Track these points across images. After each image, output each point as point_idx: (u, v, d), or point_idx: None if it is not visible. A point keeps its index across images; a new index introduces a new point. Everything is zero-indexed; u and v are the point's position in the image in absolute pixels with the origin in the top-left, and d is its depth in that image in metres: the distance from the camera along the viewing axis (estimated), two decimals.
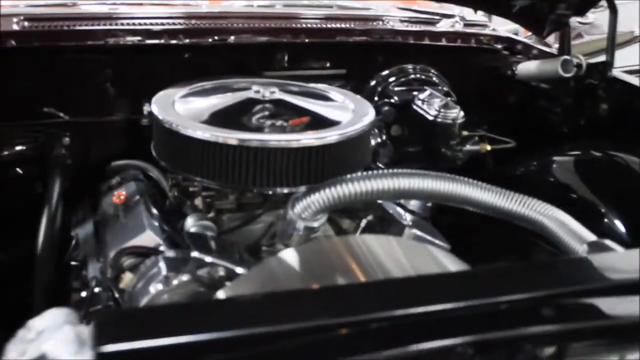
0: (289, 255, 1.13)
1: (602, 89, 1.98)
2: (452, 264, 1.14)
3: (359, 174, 1.33)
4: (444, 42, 2.22)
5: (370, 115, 1.62)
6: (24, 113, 1.94)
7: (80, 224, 1.76)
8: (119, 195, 1.70)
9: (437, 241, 1.50)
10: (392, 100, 2.01)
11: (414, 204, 1.59)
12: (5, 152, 1.93)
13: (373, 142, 2.04)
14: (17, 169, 1.97)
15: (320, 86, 1.81)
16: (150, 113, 1.61)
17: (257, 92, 1.63)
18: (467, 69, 2.24)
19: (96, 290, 1.39)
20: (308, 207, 1.33)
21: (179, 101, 1.62)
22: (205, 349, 0.74)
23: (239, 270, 1.19)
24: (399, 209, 1.58)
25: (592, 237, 1.24)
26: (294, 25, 2.10)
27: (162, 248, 1.38)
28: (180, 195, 1.61)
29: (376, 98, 2.03)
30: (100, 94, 1.97)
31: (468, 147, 1.88)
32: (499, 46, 2.32)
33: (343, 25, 2.15)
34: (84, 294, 1.45)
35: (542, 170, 1.99)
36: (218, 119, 1.52)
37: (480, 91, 2.21)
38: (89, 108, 1.98)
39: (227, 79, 1.79)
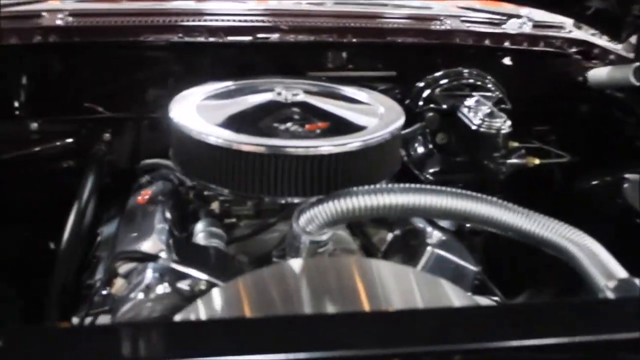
0: (261, 275, 1.05)
1: None
2: (455, 300, 1.02)
3: (368, 187, 1.23)
4: (506, 45, 2.05)
5: (398, 121, 1.50)
6: (68, 108, 1.96)
7: (108, 222, 1.74)
8: (144, 195, 1.66)
9: (462, 262, 1.37)
10: (437, 106, 1.87)
11: (444, 222, 1.47)
12: (50, 146, 1.96)
13: (419, 150, 1.92)
14: (61, 163, 1.99)
15: (351, 89, 1.70)
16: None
17: (279, 94, 1.55)
18: (532, 75, 2.07)
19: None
20: (312, 220, 1.24)
21: (199, 103, 1.56)
22: None
23: (221, 285, 1.11)
24: (428, 226, 1.45)
25: (622, 274, 1.08)
26: (341, 24, 2.00)
27: (163, 255, 1.32)
28: (196, 200, 1.55)
29: (421, 102, 1.90)
30: (141, 91, 1.95)
31: (513, 160, 1.72)
32: (572, 50, 2.13)
33: (395, 25, 2.03)
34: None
35: (609, 189, 1.81)
36: (234, 122, 1.46)
37: (546, 99, 2.03)
38: (130, 104, 1.97)
39: (254, 79, 1.72)
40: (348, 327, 0.77)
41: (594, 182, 1.89)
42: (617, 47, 2.18)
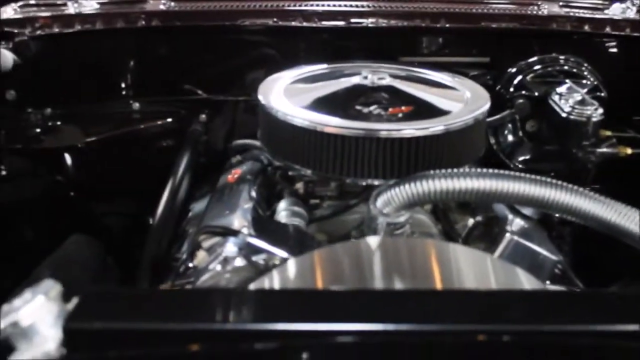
0: (335, 250, 1.08)
1: None
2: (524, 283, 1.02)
3: (444, 170, 1.23)
4: (607, 31, 1.97)
5: (484, 107, 1.49)
6: (168, 90, 2.06)
7: (200, 199, 1.83)
8: (234, 174, 1.74)
9: (541, 250, 1.35)
10: (528, 93, 1.83)
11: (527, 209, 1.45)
12: (151, 125, 2.07)
13: (509, 137, 1.89)
14: (161, 141, 2.11)
15: (439, 74, 1.69)
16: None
17: (365, 78, 1.57)
18: (634, 62, 1.98)
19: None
20: (389, 202, 1.26)
21: (286, 86, 1.61)
22: (162, 339, 0.72)
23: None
24: (509, 212, 1.44)
25: None
26: (435, 9, 1.99)
27: (245, 230, 1.38)
28: (281, 180, 1.61)
29: (512, 89, 1.86)
30: (237, 74, 2.02)
31: (603, 149, 1.66)
32: None
33: (490, 10, 2.01)
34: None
35: None
36: (320, 105, 1.49)
37: None
38: (227, 87, 2.04)
39: (341, 63, 1.75)
40: (418, 302, 0.79)
41: None
42: None
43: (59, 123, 1.98)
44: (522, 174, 1.20)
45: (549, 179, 1.19)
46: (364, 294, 0.87)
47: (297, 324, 0.73)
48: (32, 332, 0.75)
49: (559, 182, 1.18)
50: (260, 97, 1.56)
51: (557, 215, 1.24)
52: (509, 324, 0.75)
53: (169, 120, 2.06)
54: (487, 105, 1.50)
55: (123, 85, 2.04)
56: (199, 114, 2.04)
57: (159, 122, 2.06)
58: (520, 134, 1.86)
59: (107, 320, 0.74)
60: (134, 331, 0.73)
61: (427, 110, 1.46)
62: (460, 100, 1.53)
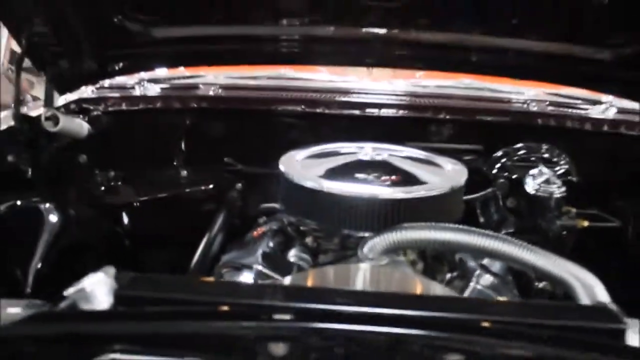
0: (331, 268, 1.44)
1: None
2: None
3: (417, 223, 1.56)
4: (586, 127, 2.30)
5: (460, 180, 1.82)
6: (212, 160, 2.46)
7: (230, 251, 2.18)
8: (259, 231, 2.09)
9: (501, 298, 1.64)
10: (508, 174, 2.16)
11: (495, 267, 1.76)
12: (195, 189, 2.46)
13: (493, 212, 2.20)
14: (203, 204, 2.48)
15: (427, 153, 2.04)
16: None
17: (366, 154, 1.94)
18: (607, 153, 2.29)
19: None
20: (373, 248, 1.58)
21: (301, 160, 1.97)
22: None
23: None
24: (478, 269, 1.75)
25: (605, 299, 1.33)
26: (437, 103, 2.36)
27: (259, 267, 1.72)
28: (294, 233, 1.95)
29: (495, 170, 2.20)
30: (269, 150, 2.40)
31: (564, 221, 1.96)
32: None
33: (484, 106, 2.37)
34: None
35: None
36: (327, 173, 1.85)
37: (616, 175, 2.25)
38: (260, 161, 2.42)
39: (346, 142, 2.10)
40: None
41: None
42: None
43: (120, 184, 2.38)
44: (476, 229, 1.52)
45: (497, 234, 1.50)
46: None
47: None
48: (92, 296, 1.10)
49: (503, 236, 1.49)
50: (281, 166, 1.93)
51: None
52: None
53: (211, 186, 2.44)
54: (463, 179, 1.83)
55: (174, 155, 2.45)
56: (236, 183, 2.42)
57: (202, 188, 2.44)
58: (502, 210, 2.17)
59: (144, 290, 1.09)
60: (163, 299, 1.07)
61: (412, 180, 1.81)
62: (442, 175, 1.87)
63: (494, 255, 1.49)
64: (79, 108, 2.33)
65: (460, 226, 1.54)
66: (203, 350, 1.07)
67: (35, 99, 2.89)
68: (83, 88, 2.42)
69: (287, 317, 1.04)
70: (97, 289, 1.11)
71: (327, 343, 1.01)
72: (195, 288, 1.17)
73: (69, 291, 1.14)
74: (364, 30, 2.17)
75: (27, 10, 1.88)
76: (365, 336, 1.01)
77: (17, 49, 2.05)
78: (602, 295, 1.35)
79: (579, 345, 1.03)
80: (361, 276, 1.45)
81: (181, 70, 2.69)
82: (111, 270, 1.15)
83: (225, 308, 1.06)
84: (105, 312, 1.09)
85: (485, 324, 1.06)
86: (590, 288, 1.38)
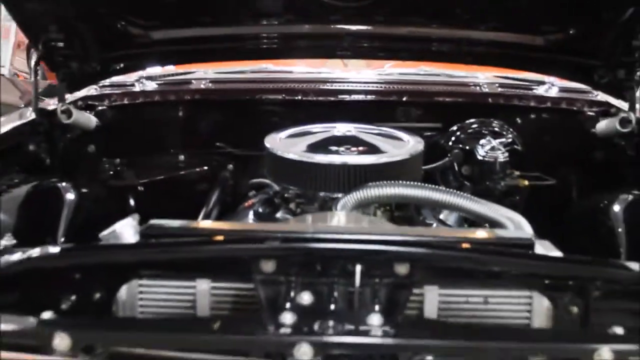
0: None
1: None
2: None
3: (378, 182, 1.90)
4: (531, 104, 2.66)
5: (417, 148, 2.16)
6: (205, 145, 2.79)
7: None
8: (249, 202, 2.42)
9: None
10: (462, 145, 2.51)
11: (451, 221, 2.11)
12: (191, 171, 2.79)
13: (451, 180, 2.54)
14: (199, 185, 2.80)
15: (391, 130, 2.37)
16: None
17: (339, 131, 2.27)
18: (548, 126, 2.65)
19: None
20: (345, 204, 1.91)
21: (284, 138, 2.31)
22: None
23: None
24: (434, 222, 2.10)
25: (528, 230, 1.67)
26: (401, 88, 2.71)
27: None
28: (279, 200, 2.28)
29: (450, 142, 2.54)
30: (256, 135, 2.72)
31: (508, 181, 2.31)
32: (594, 109, 2.66)
33: (442, 89, 2.72)
34: None
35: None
36: (306, 148, 2.18)
37: (557, 144, 2.61)
38: (248, 144, 2.74)
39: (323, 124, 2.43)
40: None
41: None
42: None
43: (124, 169, 2.71)
44: (425, 185, 1.86)
45: (441, 188, 1.84)
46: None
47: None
48: (121, 236, 1.43)
49: (448, 190, 1.83)
50: (266, 143, 2.26)
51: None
52: None
53: (205, 168, 2.77)
54: (420, 148, 2.17)
55: (172, 142, 2.78)
56: (227, 165, 2.75)
57: (197, 170, 2.77)
58: (459, 177, 2.51)
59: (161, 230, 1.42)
60: (177, 234, 1.40)
61: (376, 150, 2.14)
62: (403, 146, 2.21)
63: (441, 205, 1.83)
64: (85, 105, 2.65)
65: (415, 183, 1.88)
66: (210, 272, 1.40)
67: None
68: (87, 87, 2.75)
69: (274, 242, 1.36)
70: (125, 231, 1.44)
71: (305, 259, 1.34)
72: (202, 227, 1.50)
73: (103, 233, 1.47)
74: (334, 26, 2.51)
75: (43, 19, 2.20)
76: (334, 253, 1.34)
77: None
78: (527, 227, 1.69)
79: (497, 252, 1.37)
80: (334, 218, 1.78)
81: (174, 68, 3.03)
82: (136, 216, 1.48)
83: (226, 236, 1.39)
84: (132, 244, 1.42)
85: (426, 239, 1.40)
86: (517, 223, 1.72)
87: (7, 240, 1.67)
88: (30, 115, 2.43)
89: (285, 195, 2.26)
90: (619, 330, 1.26)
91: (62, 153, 2.48)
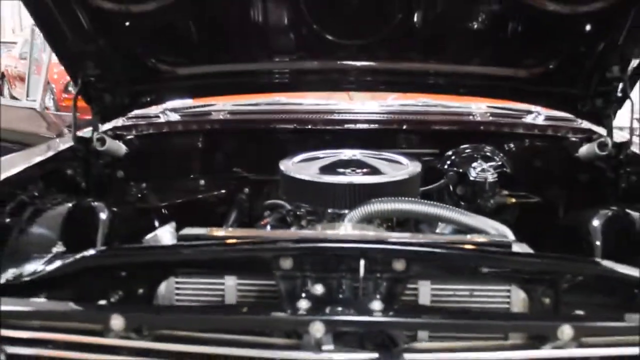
0: None
1: (625, 163, 2.54)
2: None
3: (381, 198, 2.15)
4: (519, 131, 2.93)
5: (415, 171, 2.42)
6: (223, 171, 3.06)
7: None
8: (264, 221, 2.68)
9: None
10: (456, 168, 2.77)
11: (446, 233, 2.36)
12: (210, 195, 3.05)
13: (447, 200, 2.79)
14: (217, 207, 3.06)
15: (392, 155, 2.64)
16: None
17: (345, 155, 2.54)
18: (535, 150, 2.93)
19: None
20: (351, 218, 2.17)
21: (296, 162, 2.58)
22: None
23: None
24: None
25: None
26: (402, 118, 2.99)
27: None
28: (292, 219, 2.53)
29: (446, 166, 2.81)
30: (269, 161, 2.99)
31: (497, 199, 2.57)
32: (578, 136, 2.92)
33: (438, 118, 3.00)
34: None
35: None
36: (316, 170, 2.45)
37: (544, 167, 2.87)
38: (262, 170, 3.01)
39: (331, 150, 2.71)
40: None
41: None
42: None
43: (150, 192, 2.97)
44: (421, 201, 2.11)
45: (437, 204, 2.10)
46: None
47: None
48: (161, 241, 1.69)
49: (439, 204, 2.09)
50: (281, 167, 2.52)
51: None
52: None
53: (223, 191, 3.04)
54: (417, 170, 2.43)
55: (193, 168, 3.06)
56: (244, 188, 3.01)
57: (215, 193, 3.03)
58: (453, 197, 2.77)
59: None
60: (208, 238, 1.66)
61: (379, 172, 2.41)
62: (402, 168, 2.47)
63: (435, 218, 2.08)
64: (114, 134, 2.92)
65: (412, 199, 2.14)
66: (236, 270, 1.66)
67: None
68: (115, 119, 3.03)
69: (291, 244, 1.63)
70: (165, 235, 1.71)
71: (317, 257, 1.59)
72: (229, 233, 1.76)
73: (145, 238, 1.73)
74: (340, 62, 2.80)
75: (82, 58, 2.49)
76: (341, 251, 1.59)
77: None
78: (509, 234, 1.94)
79: (479, 251, 1.63)
80: (341, 227, 2.04)
81: (192, 102, 3.33)
82: (173, 224, 1.74)
83: (251, 239, 1.65)
84: (171, 245, 1.68)
85: (420, 240, 1.66)
86: (502, 231, 1.97)
87: (59, 248, 1.94)
88: (59, 144, 2.72)
89: (297, 213, 2.52)
90: (580, 312, 1.50)
91: (96, 177, 2.75)
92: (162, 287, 1.67)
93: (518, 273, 1.63)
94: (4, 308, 1.49)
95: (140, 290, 1.66)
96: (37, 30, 4.46)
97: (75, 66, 2.52)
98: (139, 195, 2.96)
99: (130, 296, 1.65)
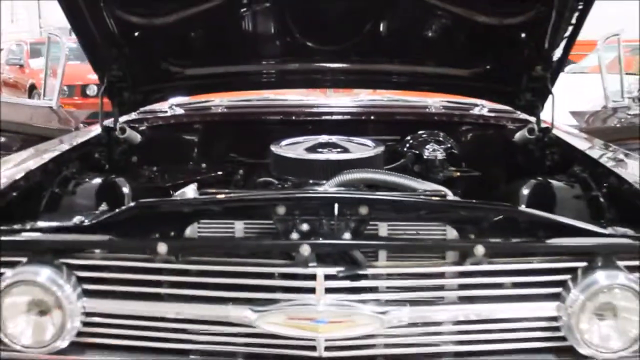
0: None
1: (550, 146, 3.17)
2: None
3: (352, 170, 2.74)
4: (467, 120, 3.56)
5: (378, 150, 3.03)
6: (221, 156, 3.64)
7: None
8: None
9: None
10: (414, 150, 3.39)
11: None
12: (208, 176, 3.62)
13: None
14: (214, 187, 3.63)
15: (361, 139, 3.24)
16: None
17: (323, 140, 3.15)
18: (480, 136, 3.56)
19: None
20: (329, 185, 2.76)
21: (284, 145, 3.16)
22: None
23: None
24: None
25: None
26: (369, 110, 3.61)
27: None
28: None
29: (405, 148, 3.43)
30: (260, 147, 3.56)
31: (445, 173, 3.20)
32: (516, 124, 3.54)
33: (400, 110, 3.62)
34: None
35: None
36: (302, 150, 3.04)
37: (487, 149, 3.51)
38: (256, 154, 3.57)
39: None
40: None
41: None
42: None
43: (160, 174, 3.54)
44: (379, 170, 2.72)
45: (390, 172, 2.70)
46: None
47: None
48: (187, 196, 2.28)
49: (388, 172, 2.69)
50: (272, 148, 3.11)
51: None
52: None
53: (219, 173, 3.61)
54: (380, 150, 3.04)
55: (195, 153, 3.64)
56: (239, 170, 3.59)
57: (213, 174, 3.61)
58: (413, 174, 3.36)
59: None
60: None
61: (350, 151, 3.01)
62: (368, 149, 3.08)
63: (392, 184, 2.65)
64: (128, 126, 3.49)
65: (375, 169, 2.74)
66: (244, 215, 2.24)
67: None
68: (128, 114, 3.60)
69: (283, 196, 2.22)
70: (189, 192, 2.29)
71: (303, 204, 2.17)
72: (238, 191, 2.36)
73: (175, 194, 2.31)
74: (319, 65, 3.40)
75: (109, 60, 3.06)
76: (322, 200, 2.19)
77: None
78: (447, 192, 2.54)
79: (421, 199, 2.24)
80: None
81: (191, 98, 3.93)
82: (195, 184, 2.33)
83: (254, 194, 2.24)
84: (195, 198, 2.27)
85: (379, 194, 2.26)
86: (441, 189, 2.58)
87: (103, 207, 2.52)
88: (87, 133, 3.29)
89: (285, 186, 3.11)
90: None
91: (116, 160, 3.31)
92: (188, 230, 2.24)
93: (450, 215, 2.23)
94: (75, 238, 2.07)
95: (172, 233, 2.22)
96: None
97: (103, 68, 3.08)
98: (150, 177, 3.52)
99: (165, 236, 2.22)
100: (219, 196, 2.31)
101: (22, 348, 2.02)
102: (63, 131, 4.02)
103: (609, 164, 2.73)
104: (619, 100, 5.52)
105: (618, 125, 5.48)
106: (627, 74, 5.70)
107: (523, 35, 3.01)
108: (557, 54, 3.01)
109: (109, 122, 3.31)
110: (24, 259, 2.05)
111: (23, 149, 3.19)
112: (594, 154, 2.95)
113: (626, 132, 5.14)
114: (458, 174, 3.23)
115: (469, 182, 3.28)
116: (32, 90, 13.10)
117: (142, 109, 3.62)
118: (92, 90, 11.49)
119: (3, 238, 2.07)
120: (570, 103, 5.93)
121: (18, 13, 30.63)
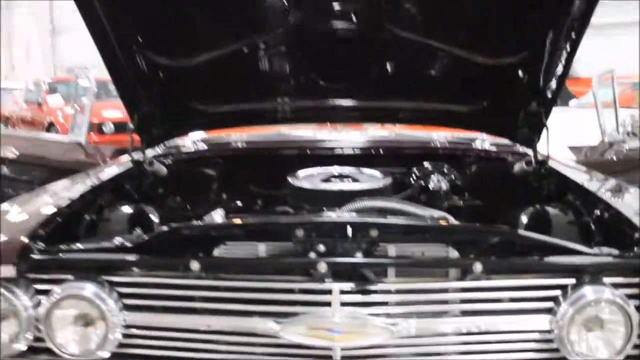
0: None
1: (546, 177, 3.41)
2: None
3: (361, 199, 2.99)
4: (469, 153, 3.83)
5: (386, 181, 3.29)
6: (240, 188, 3.88)
7: None
8: None
9: None
10: (421, 181, 3.65)
11: None
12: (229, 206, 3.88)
13: None
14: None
15: (371, 171, 3.50)
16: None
17: (335, 171, 3.41)
18: (481, 168, 3.81)
19: None
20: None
21: (300, 177, 3.42)
22: None
23: None
24: None
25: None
26: (377, 144, 3.89)
27: None
28: None
29: (412, 180, 3.69)
30: (277, 179, 3.76)
31: (449, 202, 3.44)
32: (516, 157, 3.77)
33: (406, 144, 3.90)
34: None
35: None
36: (318, 181, 3.30)
37: (488, 180, 3.75)
38: (272, 185, 3.81)
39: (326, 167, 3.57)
40: None
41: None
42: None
43: (184, 204, 3.80)
44: (390, 198, 2.97)
45: (398, 200, 2.95)
46: None
47: None
48: (215, 220, 2.54)
49: (396, 199, 2.94)
50: (289, 180, 3.37)
51: None
52: None
53: (239, 203, 3.86)
54: (389, 180, 3.30)
55: (216, 185, 3.89)
56: (257, 200, 3.84)
57: (233, 205, 3.85)
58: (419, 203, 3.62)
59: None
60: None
61: (360, 182, 3.27)
62: (378, 180, 3.33)
63: (399, 211, 2.89)
64: (155, 159, 3.76)
65: (384, 197, 2.99)
66: (266, 238, 2.48)
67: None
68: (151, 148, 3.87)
69: (303, 219, 2.47)
70: (217, 217, 2.55)
71: (320, 228, 2.41)
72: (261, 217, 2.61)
73: (204, 218, 2.56)
74: (330, 101, 3.68)
75: (141, 100, 3.33)
76: (337, 225, 2.43)
77: None
78: (449, 217, 2.78)
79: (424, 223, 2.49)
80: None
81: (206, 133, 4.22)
82: (222, 210, 2.59)
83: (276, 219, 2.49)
84: (221, 223, 2.53)
85: (388, 219, 2.51)
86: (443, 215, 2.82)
87: (138, 231, 2.78)
88: (118, 167, 3.56)
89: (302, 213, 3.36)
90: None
91: (144, 191, 3.57)
92: (216, 252, 2.48)
93: (451, 237, 2.47)
94: (117, 257, 2.33)
95: (201, 253, 2.46)
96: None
97: (134, 106, 3.36)
98: (176, 206, 3.77)
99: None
100: (245, 220, 2.56)
101: (69, 357, 2.26)
102: (92, 165, 4.30)
103: (603, 193, 2.97)
104: (615, 135, 5.80)
105: (614, 159, 5.74)
106: (629, 107, 5.98)
107: (519, 73, 3.27)
108: (551, 90, 3.24)
109: (137, 155, 3.58)
110: (70, 277, 2.30)
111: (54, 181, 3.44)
112: (587, 183, 3.19)
113: (622, 165, 5.41)
114: (461, 203, 3.48)
115: (471, 210, 3.52)
116: (49, 127, 13.45)
117: (166, 144, 3.90)
118: (109, 127, 11.82)
119: (52, 257, 2.33)
120: (570, 137, 6.21)
121: (33, 51, 31.40)
